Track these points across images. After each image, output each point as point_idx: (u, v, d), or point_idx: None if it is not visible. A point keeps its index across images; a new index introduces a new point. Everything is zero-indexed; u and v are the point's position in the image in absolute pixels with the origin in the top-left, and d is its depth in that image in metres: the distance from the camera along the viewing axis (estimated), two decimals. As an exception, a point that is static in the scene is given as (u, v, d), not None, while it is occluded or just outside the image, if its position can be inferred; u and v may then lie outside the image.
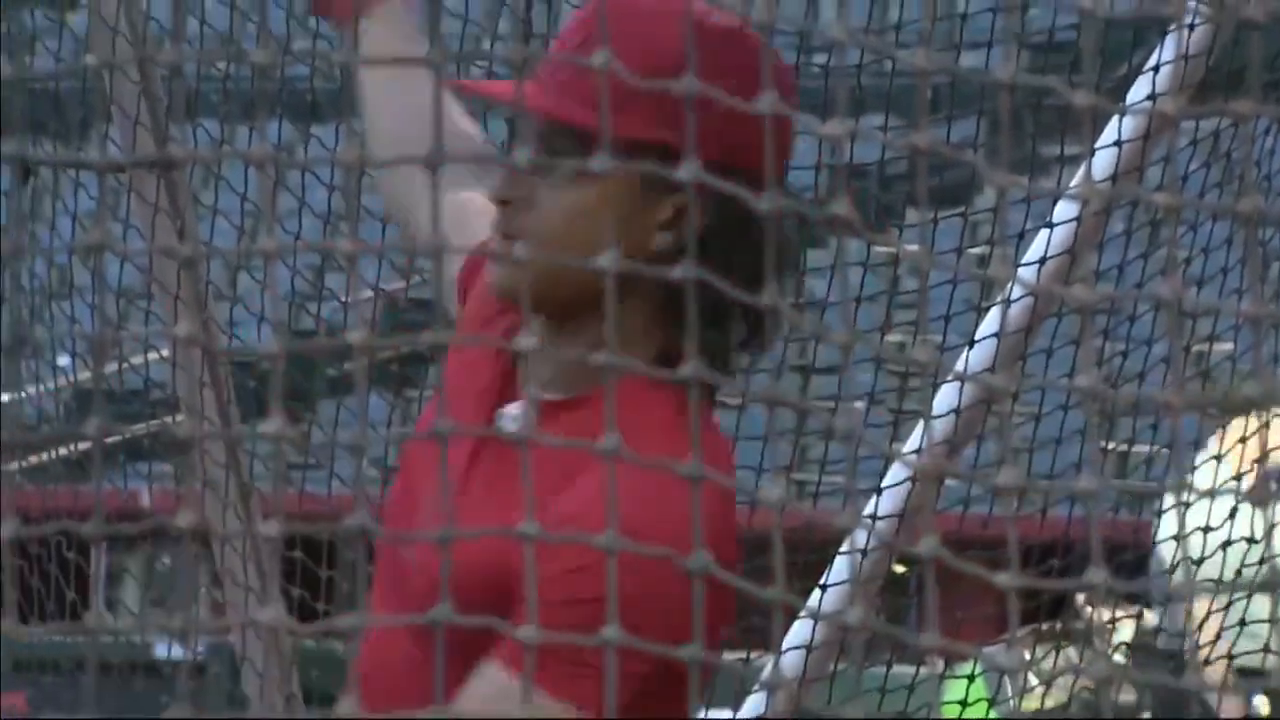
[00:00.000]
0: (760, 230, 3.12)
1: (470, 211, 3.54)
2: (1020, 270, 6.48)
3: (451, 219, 3.15)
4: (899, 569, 7.43)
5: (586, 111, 3.18)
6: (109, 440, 2.73)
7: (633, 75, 2.60)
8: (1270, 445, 8.55)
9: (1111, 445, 9.69)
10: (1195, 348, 8.55)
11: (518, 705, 3.19)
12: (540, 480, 3.20)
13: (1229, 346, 9.36)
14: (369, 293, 10.06)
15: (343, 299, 10.47)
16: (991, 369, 6.49)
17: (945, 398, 6.51)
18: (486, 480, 3.32)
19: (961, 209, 8.24)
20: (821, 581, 6.60)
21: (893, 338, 9.05)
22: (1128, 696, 9.85)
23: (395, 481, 3.56)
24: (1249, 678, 9.28)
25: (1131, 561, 9.26)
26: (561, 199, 3.32)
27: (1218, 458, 8.85)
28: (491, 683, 3.29)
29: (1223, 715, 9.14)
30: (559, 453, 3.13)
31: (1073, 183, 6.81)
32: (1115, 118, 6.51)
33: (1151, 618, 9.92)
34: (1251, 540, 7.58)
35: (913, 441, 6.98)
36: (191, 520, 2.41)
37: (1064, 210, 6.54)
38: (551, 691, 3.21)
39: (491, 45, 10.04)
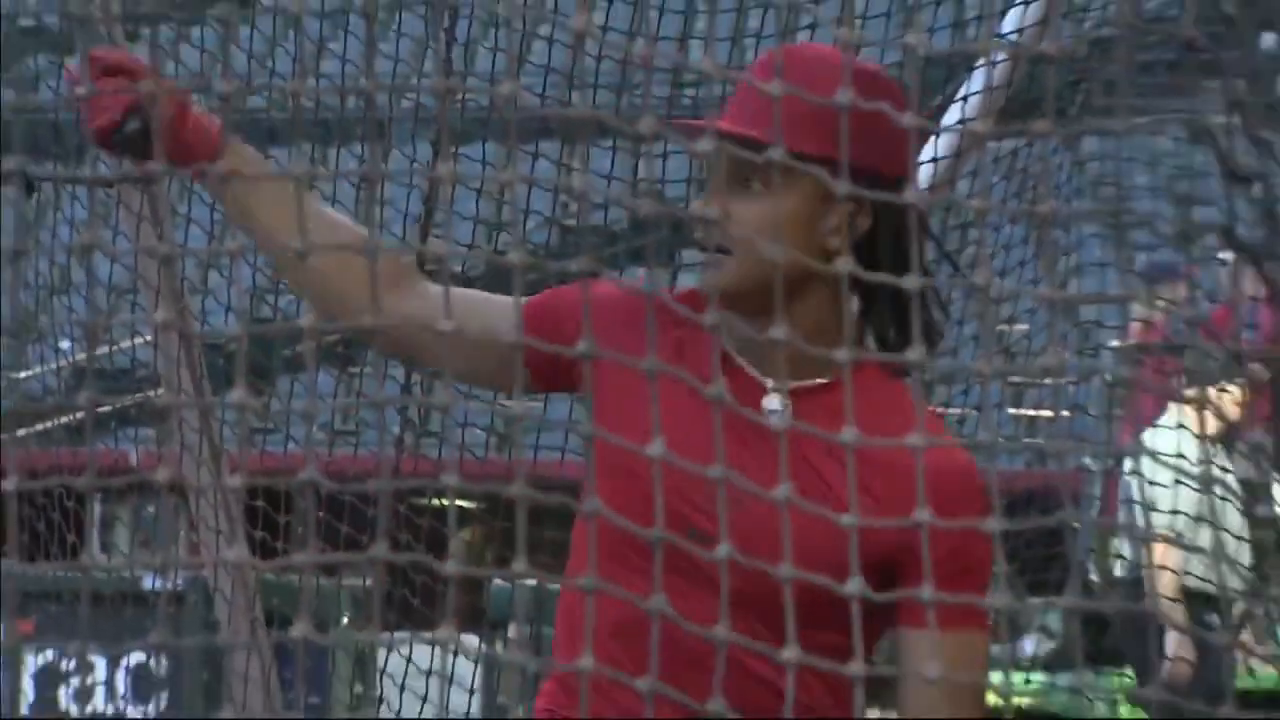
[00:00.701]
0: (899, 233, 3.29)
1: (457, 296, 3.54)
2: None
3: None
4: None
5: (798, 136, 3.14)
6: (100, 410, 2.74)
7: (813, 107, 2.79)
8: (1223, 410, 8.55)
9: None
10: (998, 328, 8.60)
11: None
12: (815, 461, 3.22)
13: (1025, 327, 9.43)
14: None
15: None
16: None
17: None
18: (759, 465, 3.13)
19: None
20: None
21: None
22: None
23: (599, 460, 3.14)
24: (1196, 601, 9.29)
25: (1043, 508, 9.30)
26: (755, 211, 3.35)
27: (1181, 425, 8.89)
28: (957, 645, 3.27)
29: (1171, 631, 9.03)
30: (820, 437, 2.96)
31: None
32: (933, 137, 6.57)
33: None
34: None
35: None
36: (170, 475, 2.44)
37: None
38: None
39: (419, 80, 10.00)
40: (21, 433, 9.66)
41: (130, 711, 13.96)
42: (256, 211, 3.59)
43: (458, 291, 3.50)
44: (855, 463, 3.12)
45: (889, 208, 3.16)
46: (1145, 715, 11.30)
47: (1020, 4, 6.58)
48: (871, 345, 3.41)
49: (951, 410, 9.72)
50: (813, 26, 7.92)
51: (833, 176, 2.66)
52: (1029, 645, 11.53)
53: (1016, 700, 10.03)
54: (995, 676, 9.38)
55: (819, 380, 3.37)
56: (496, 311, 3.51)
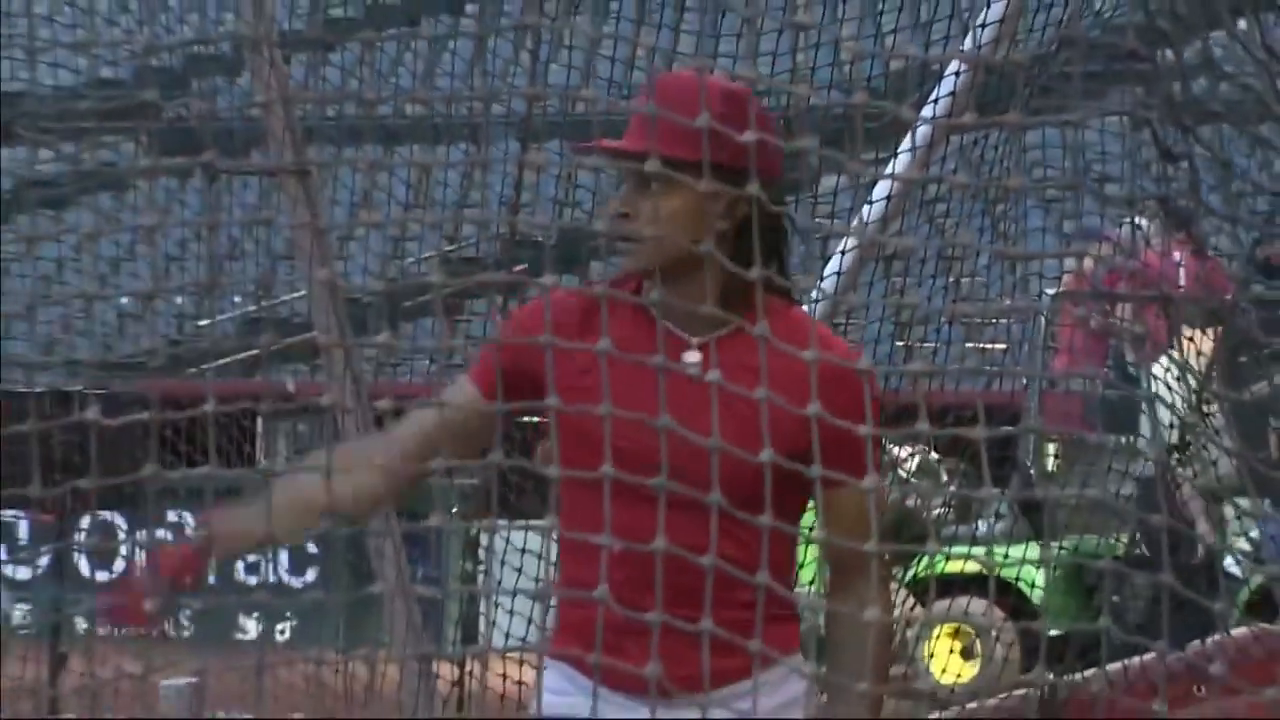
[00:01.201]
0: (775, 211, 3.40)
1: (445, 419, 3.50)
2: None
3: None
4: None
5: (675, 146, 3.27)
6: (271, 348, 2.69)
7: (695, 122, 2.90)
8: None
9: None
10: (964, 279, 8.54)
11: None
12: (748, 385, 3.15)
13: (981, 279, 9.34)
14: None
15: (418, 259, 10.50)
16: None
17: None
18: (695, 402, 3.16)
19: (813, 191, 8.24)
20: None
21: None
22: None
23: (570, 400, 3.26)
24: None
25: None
26: (660, 206, 3.43)
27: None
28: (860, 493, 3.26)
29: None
30: (749, 369, 3.11)
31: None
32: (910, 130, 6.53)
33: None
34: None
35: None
36: (333, 400, 2.38)
37: (881, 190, 6.56)
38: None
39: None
40: (205, 366, 9.64)
41: (288, 580, 13.99)
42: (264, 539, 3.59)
43: (420, 421, 3.49)
44: (767, 381, 3.08)
45: (757, 199, 3.17)
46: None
47: (979, 26, 6.50)
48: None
49: (927, 344, 9.71)
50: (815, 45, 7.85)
51: (712, 175, 3.00)
52: (984, 525, 11.50)
53: (977, 565, 9.98)
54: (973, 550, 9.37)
55: (730, 327, 3.40)
56: (460, 401, 3.48)
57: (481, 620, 8.96)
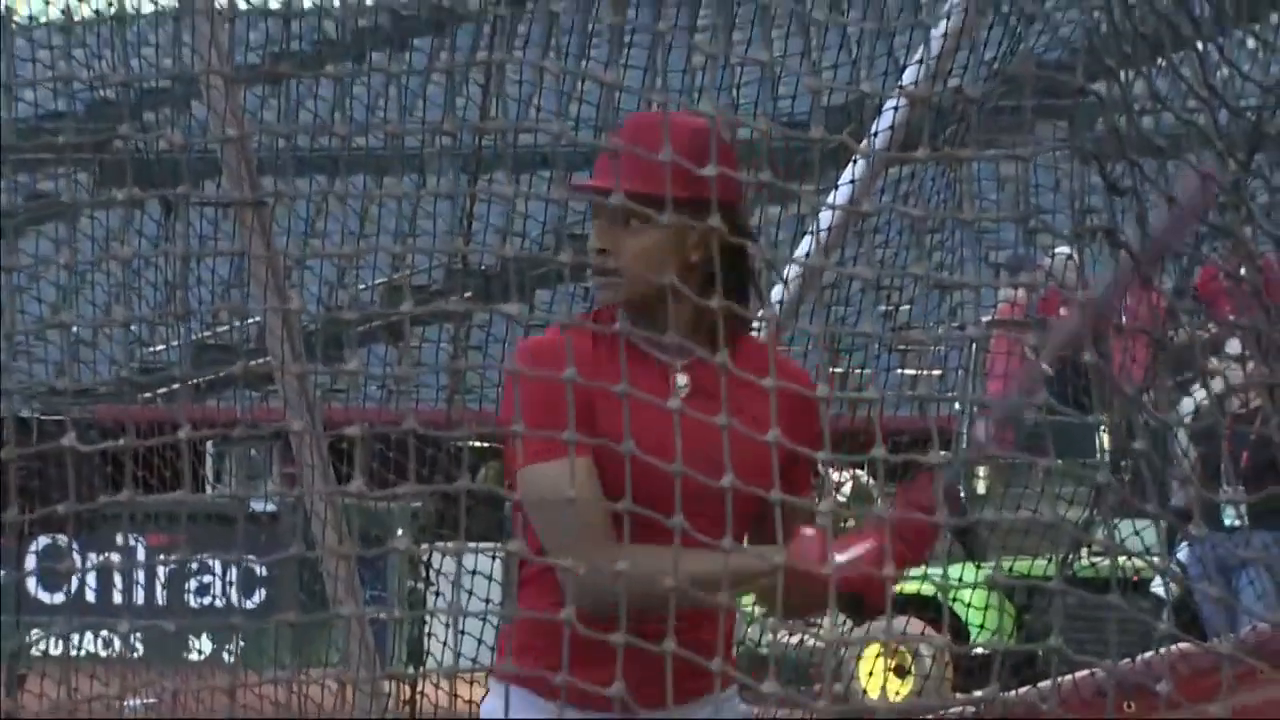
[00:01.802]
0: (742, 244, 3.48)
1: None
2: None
3: None
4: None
5: (652, 184, 3.31)
6: (221, 374, 2.68)
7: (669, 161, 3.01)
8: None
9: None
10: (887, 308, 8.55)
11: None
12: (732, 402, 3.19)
13: (908, 306, 9.36)
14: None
15: (365, 286, 10.49)
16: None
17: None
18: (689, 422, 3.20)
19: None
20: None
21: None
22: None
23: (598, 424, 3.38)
24: None
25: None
26: (636, 242, 3.50)
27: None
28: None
29: None
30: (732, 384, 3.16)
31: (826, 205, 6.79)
32: (852, 162, 6.56)
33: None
34: None
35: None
36: (302, 426, 2.37)
37: (824, 220, 6.58)
38: None
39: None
40: (156, 392, 9.58)
41: (239, 602, 13.90)
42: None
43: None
44: (743, 396, 3.22)
45: (729, 227, 3.21)
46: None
47: (917, 63, 6.54)
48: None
49: (865, 371, 9.76)
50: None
51: (684, 210, 3.17)
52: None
53: (911, 585, 10.01)
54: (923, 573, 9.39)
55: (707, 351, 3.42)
56: (590, 478, 3.45)
57: (429, 640, 8.93)
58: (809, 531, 3.31)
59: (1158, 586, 10.09)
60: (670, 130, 3.22)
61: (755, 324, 3.66)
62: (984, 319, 9.78)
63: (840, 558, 3.28)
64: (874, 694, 11.49)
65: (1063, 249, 11.09)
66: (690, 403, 3.26)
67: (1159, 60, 3.18)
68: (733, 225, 3.25)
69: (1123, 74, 3.06)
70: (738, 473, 3.00)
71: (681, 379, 3.53)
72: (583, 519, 3.39)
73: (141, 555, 13.91)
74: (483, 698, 3.68)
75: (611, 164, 3.51)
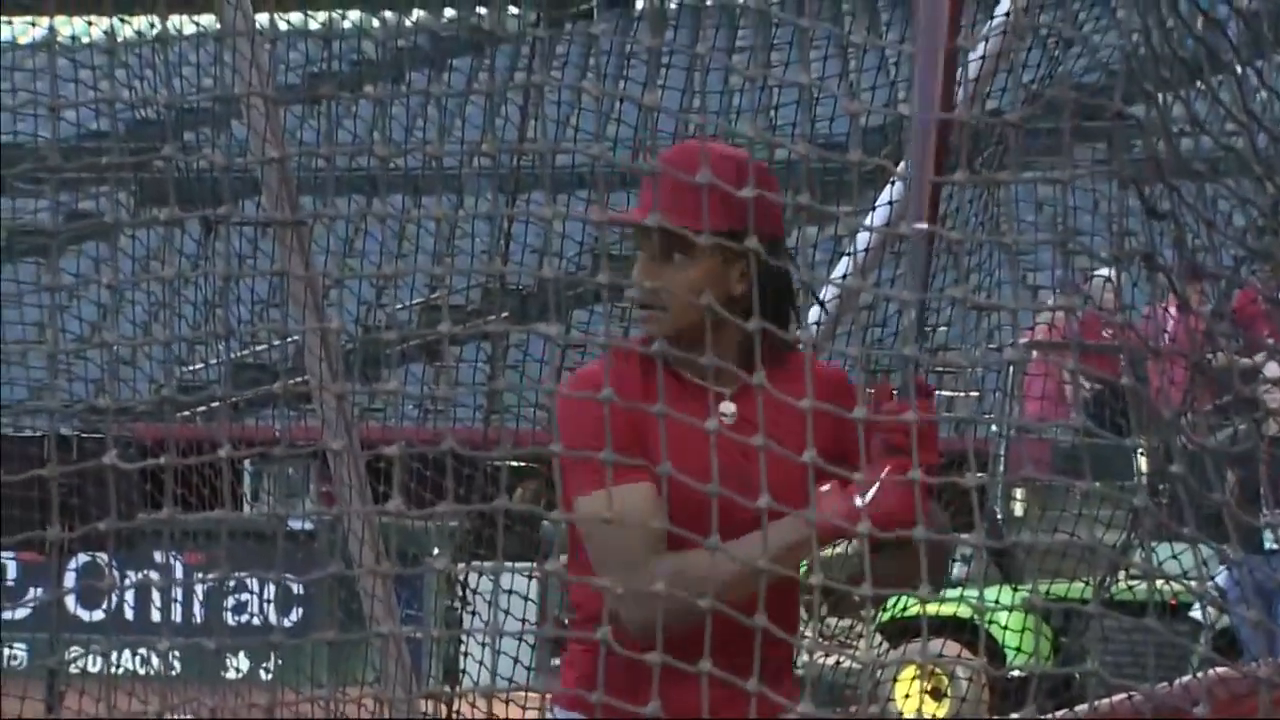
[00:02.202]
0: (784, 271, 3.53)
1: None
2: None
3: None
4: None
5: (690, 219, 3.36)
6: (260, 392, 2.70)
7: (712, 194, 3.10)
8: None
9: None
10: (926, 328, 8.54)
11: None
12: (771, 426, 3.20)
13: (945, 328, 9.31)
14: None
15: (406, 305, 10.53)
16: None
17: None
18: (737, 446, 3.27)
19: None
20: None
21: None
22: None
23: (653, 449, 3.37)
24: None
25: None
26: (680, 276, 3.54)
27: None
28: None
29: None
30: (778, 408, 3.18)
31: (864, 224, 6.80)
32: (890, 184, 6.56)
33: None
34: None
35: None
36: (341, 445, 2.38)
37: (861, 241, 6.57)
38: None
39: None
40: (197, 411, 9.62)
41: (276, 620, 13.94)
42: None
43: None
44: (787, 419, 3.25)
45: (771, 258, 3.31)
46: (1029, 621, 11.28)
47: (955, 85, 6.54)
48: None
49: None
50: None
51: (729, 242, 3.21)
52: (956, 567, 11.52)
53: (948, 608, 9.99)
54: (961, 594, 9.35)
55: (744, 383, 3.45)
56: (656, 505, 3.47)
57: (465, 659, 8.94)
58: (824, 487, 3.34)
59: (1196, 611, 10.05)
60: (711, 162, 3.22)
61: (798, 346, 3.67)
62: (1021, 341, 9.76)
63: (862, 499, 3.29)
64: (909, 716, 11.46)
65: (1101, 272, 11.08)
66: (738, 431, 3.29)
67: (1197, 84, 3.19)
68: (775, 256, 3.29)
69: (1161, 97, 3.06)
70: (782, 495, 3.04)
71: (729, 407, 3.56)
72: (645, 541, 3.40)
73: (179, 573, 13.97)
74: None
75: (653, 196, 3.53)
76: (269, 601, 13.44)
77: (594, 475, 3.37)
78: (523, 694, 7.12)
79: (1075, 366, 2.86)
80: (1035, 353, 9.53)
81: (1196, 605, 9.80)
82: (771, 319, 3.31)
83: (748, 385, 3.46)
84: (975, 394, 10.28)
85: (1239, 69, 3.21)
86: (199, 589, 12.93)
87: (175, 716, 7.04)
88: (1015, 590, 10.65)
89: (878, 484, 3.31)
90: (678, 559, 3.33)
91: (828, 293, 6.61)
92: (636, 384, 3.47)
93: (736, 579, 3.24)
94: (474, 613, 8.28)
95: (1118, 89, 2.71)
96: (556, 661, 3.55)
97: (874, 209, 6.80)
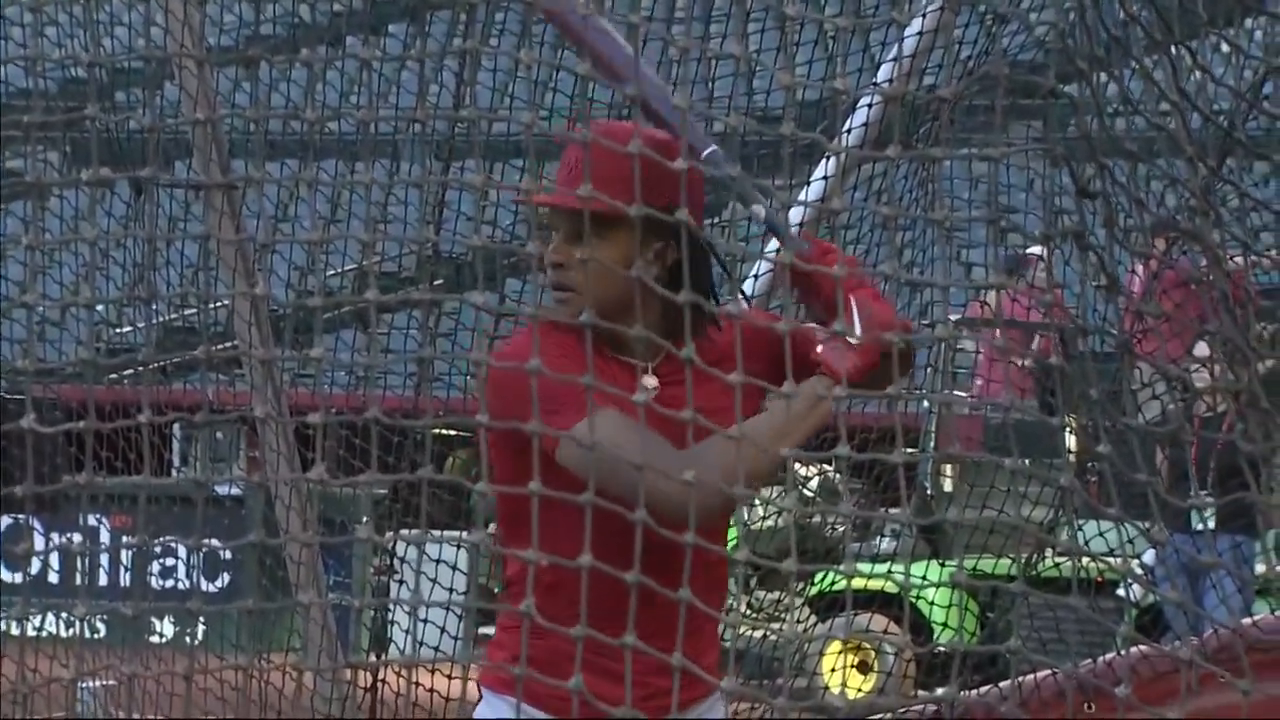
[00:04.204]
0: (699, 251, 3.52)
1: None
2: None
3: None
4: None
5: (599, 201, 3.25)
6: (186, 357, 2.67)
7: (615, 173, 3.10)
8: None
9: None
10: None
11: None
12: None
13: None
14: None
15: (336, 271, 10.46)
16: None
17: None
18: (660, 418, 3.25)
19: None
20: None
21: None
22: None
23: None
24: None
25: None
26: (594, 255, 3.50)
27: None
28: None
29: None
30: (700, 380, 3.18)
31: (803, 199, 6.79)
32: (824, 158, 6.57)
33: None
34: None
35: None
36: (265, 411, 2.34)
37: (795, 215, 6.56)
38: None
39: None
40: (125, 374, 9.55)
41: (203, 585, 13.87)
42: None
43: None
44: (713, 387, 3.23)
45: (682, 235, 3.22)
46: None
47: (892, 60, 6.54)
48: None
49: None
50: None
51: (647, 222, 3.15)
52: (884, 542, 11.56)
53: (875, 583, 10.02)
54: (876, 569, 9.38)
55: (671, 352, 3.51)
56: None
57: (392, 627, 8.91)
58: (820, 347, 3.36)
59: (1123, 589, 10.10)
60: (621, 142, 3.19)
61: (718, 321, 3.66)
62: (953, 317, 9.78)
63: (854, 336, 3.30)
64: (835, 690, 11.49)
65: (1033, 250, 11.12)
66: (660, 403, 3.27)
67: (1131, 63, 3.18)
68: (691, 234, 3.25)
69: (1095, 76, 3.06)
70: None
71: (651, 380, 3.56)
72: (660, 441, 3.36)
73: (106, 536, 13.86)
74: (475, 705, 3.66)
75: (567, 177, 3.53)
76: (195, 567, 13.36)
77: (568, 414, 3.33)
78: (448, 665, 7.09)
79: (1003, 344, 2.86)
80: (979, 331, 9.55)
81: (1122, 584, 9.86)
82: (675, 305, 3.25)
83: (669, 357, 3.47)
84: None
85: (1173, 49, 3.21)
86: (124, 553, 12.85)
87: (94, 682, 7.00)
88: (943, 566, 10.69)
89: (854, 313, 3.33)
90: (702, 450, 3.32)
91: (760, 267, 6.60)
92: (559, 359, 3.41)
93: (772, 449, 3.25)
94: (401, 581, 8.26)
95: (1052, 67, 2.70)
96: (488, 630, 3.51)
97: (808, 183, 6.79)
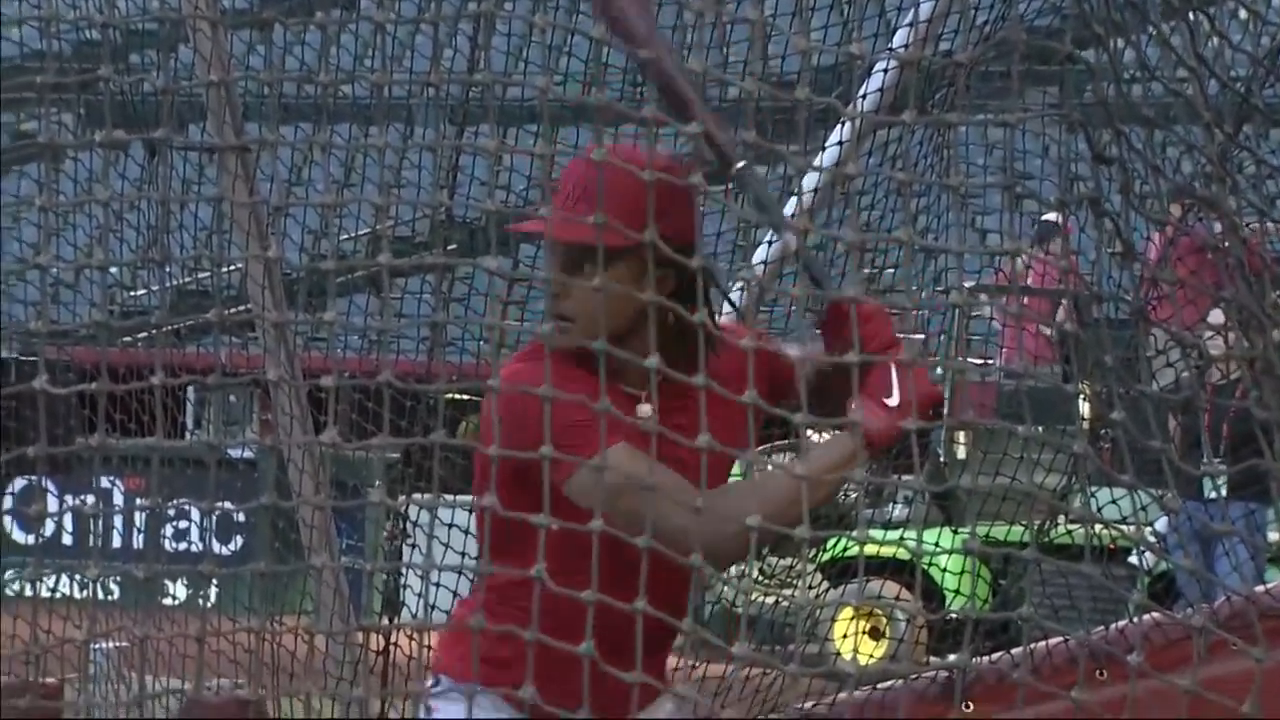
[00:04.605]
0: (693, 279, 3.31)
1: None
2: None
3: None
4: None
5: (606, 233, 3.21)
6: (200, 319, 2.67)
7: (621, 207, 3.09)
8: None
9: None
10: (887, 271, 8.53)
11: None
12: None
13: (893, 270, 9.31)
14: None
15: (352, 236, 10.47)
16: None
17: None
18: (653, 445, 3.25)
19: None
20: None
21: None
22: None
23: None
24: None
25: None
26: (588, 291, 3.47)
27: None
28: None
29: None
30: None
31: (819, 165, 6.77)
32: (839, 124, 6.55)
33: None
34: None
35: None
36: (278, 374, 2.34)
37: (810, 181, 6.55)
38: None
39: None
40: (139, 337, 9.55)
41: (215, 548, 13.90)
42: None
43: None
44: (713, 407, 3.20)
45: (682, 264, 3.22)
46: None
47: (907, 25, 6.52)
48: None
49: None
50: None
51: (641, 254, 3.12)
52: (897, 509, 11.56)
53: (888, 549, 10.02)
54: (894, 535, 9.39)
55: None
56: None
57: (404, 591, 8.92)
58: (854, 404, 3.32)
59: (1135, 556, 10.10)
60: (624, 172, 3.18)
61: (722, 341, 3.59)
62: (968, 284, 9.76)
63: (890, 397, 3.29)
64: (847, 656, 11.50)
65: (1049, 216, 11.09)
66: (663, 423, 3.21)
67: (1149, 29, 3.17)
68: (686, 264, 3.17)
69: (1112, 42, 3.05)
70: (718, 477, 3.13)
71: (645, 409, 3.49)
72: (678, 480, 3.37)
73: (119, 499, 13.90)
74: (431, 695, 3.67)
75: (564, 204, 3.50)
76: (208, 530, 13.39)
77: (581, 447, 3.31)
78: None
79: (1018, 311, 2.85)
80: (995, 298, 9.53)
81: (1135, 551, 9.86)
82: (684, 326, 3.25)
83: (663, 386, 3.41)
84: (920, 337, 10.30)
85: (1190, 15, 3.20)
86: (138, 515, 12.88)
87: (106, 643, 7.02)
88: (956, 533, 10.68)
89: (892, 376, 3.31)
90: (726, 491, 3.34)
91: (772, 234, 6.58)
92: (566, 389, 3.34)
93: (792, 496, 3.22)
94: (414, 545, 8.26)
95: (1069, 32, 2.69)
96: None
97: (823, 149, 6.77)
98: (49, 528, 13.78)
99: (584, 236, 3.32)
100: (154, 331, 3.19)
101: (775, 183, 8.11)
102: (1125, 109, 3.01)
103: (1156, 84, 3.11)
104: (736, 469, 3.75)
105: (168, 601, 13.35)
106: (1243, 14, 3.62)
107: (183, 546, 14.70)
